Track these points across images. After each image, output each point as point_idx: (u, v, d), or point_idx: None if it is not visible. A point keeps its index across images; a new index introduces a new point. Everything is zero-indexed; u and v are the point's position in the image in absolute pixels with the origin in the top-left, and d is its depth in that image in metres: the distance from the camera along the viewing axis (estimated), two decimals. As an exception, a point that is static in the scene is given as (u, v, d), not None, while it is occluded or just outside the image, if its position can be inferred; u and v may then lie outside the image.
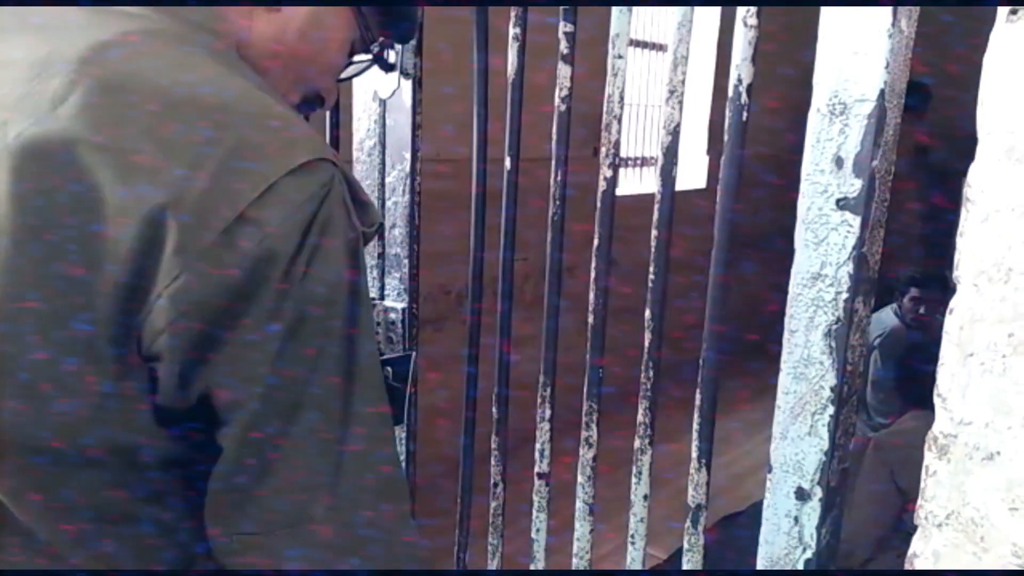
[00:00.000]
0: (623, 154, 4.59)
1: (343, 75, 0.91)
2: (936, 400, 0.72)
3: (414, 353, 1.20)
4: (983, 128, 0.68)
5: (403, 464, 1.39)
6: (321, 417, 0.65)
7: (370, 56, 0.88)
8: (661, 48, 4.65)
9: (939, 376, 0.72)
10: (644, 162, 4.77)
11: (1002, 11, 0.67)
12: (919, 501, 0.74)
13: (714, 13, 4.54)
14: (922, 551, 0.74)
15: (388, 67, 0.92)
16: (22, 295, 0.60)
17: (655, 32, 4.64)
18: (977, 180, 0.69)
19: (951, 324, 0.72)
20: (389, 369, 0.75)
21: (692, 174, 4.80)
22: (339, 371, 0.65)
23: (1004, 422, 0.71)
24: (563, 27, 1.13)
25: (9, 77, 0.63)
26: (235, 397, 0.63)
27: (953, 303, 0.72)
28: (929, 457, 0.73)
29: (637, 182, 4.71)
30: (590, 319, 1.14)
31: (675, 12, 1.02)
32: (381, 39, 0.87)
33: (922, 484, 0.74)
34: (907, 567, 0.75)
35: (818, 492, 0.94)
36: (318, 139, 0.67)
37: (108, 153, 0.59)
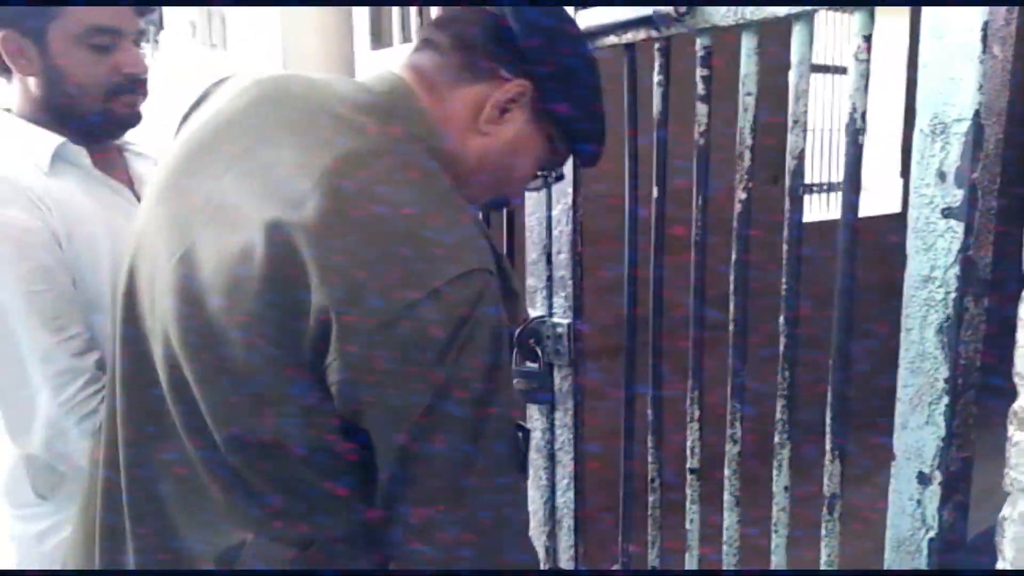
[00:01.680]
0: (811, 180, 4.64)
1: (529, 187, 1.11)
2: (1016, 379, 0.81)
3: (531, 430, 1.41)
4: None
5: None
6: (447, 467, 0.82)
7: (554, 173, 1.09)
8: (841, 71, 4.64)
9: (1016, 357, 0.81)
10: (831, 188, 4.77)
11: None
12: (1005, 469, 0.83)
13: (903, 33, 4.47)
14: (1010, 515, 0.83)
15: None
16: (260, 341, 0.81)
17: (835, 54, 4.66)
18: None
19: (1022, 309, 0.81)
20: (520, 434, 0.96)
21: (886, 198, 4.71)
22: (469, 438, 0.81)
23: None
24: (700, 72, 1.29)
25: (275, 177, 0.84)
26: (379, 444, 0.82)
27: (1025, 288, 0.81)
28: (1011, 430, 0.82)
29: (824, 208, 4.74)
30: (730, 327, 1.28)
31: (794, 51, 1.15)
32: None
33: (1007, 454, 0.83)
34: (998, 527, 0.84)
35: (938, 476, 1.03)
36: (483, 251, 0.83)
37: (319, 249, 0.78)
